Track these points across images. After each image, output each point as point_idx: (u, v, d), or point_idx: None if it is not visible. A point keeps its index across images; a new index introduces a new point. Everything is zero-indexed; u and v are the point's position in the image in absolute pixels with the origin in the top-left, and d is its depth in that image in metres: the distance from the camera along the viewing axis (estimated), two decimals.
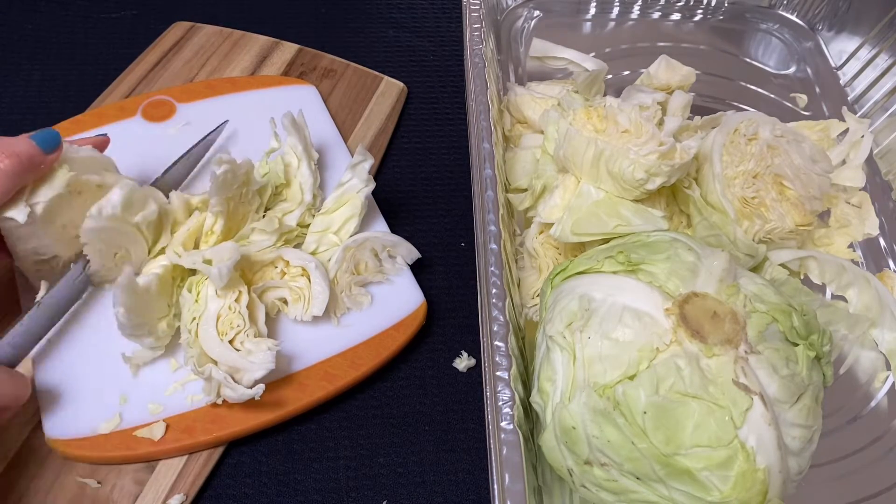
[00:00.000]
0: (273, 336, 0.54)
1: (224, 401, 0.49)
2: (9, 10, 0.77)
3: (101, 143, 0.54)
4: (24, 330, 0.48)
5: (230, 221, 0.55)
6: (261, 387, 0.48)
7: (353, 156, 0.65)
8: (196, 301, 0.51)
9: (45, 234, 0.48)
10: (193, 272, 0.53)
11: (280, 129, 0.61)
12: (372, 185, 0.59)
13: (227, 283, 0.50)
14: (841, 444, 0.52)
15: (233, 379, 0.48)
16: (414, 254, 0.58)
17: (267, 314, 0.54)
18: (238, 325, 0.50)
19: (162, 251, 0.54)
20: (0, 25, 0.75)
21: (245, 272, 0.54)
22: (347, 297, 0.56)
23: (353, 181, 0.59)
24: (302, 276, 0.55)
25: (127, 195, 0.50)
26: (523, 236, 0.59)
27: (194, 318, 0.50)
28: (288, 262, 0.55)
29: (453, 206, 0.67)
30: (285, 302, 0.55)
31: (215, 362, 0.49)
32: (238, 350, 0.49)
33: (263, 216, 0.58)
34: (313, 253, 0.57)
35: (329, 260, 0.57)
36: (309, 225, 0.59)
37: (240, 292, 0.52)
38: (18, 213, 0.45)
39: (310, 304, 0.54)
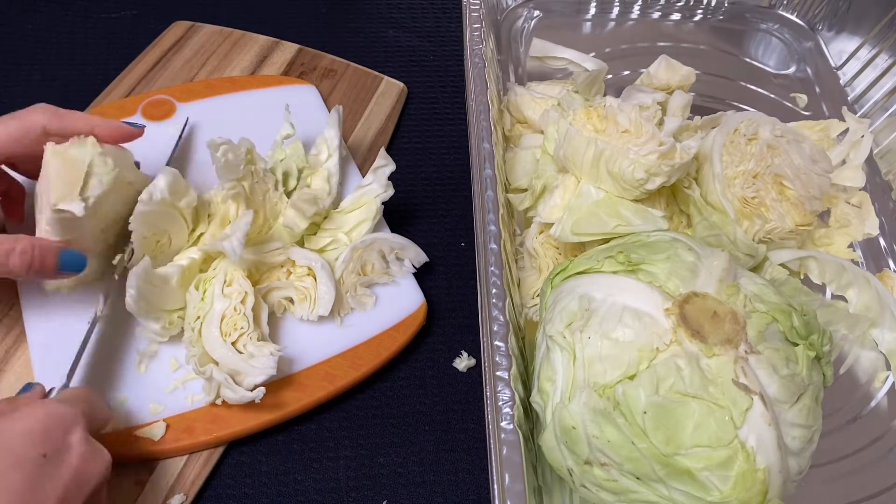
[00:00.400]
0: (275, 336, 0.54)
1: (224, 401, 0.49)
2: (9, 10, 0.77)
3: (136, 134, 0.54)
4: (80, 346, 0.49)
5: (253, 205, 0.55)
6: (261, 390, 0.48)
7: (353, 156, 0.66)
8: (202, 299, 0.51)
9: (88, 226, 0.50)
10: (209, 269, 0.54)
11: (294, 116, 0.62)
12: (390, 192, 0.59)
13: (239, 269, 0.51)
14: (841, 444, 0.52)
15: (233, 381, 0.48)
16: (421, 257, 0.58)
17: (272, 313, 0.54)
18: (242, 328, 0.50)
19: (198, 239, 0.55)
20: (0, 25, 0.75)
21: (252, 273, 0.54)
22: (352, 298, 0.56)
23: (372, 185, 0.59)
24: (308, 275, 0.55)
25: (171, 181, 0.52)
26: (523, 236, 0.59)
27: (199, 317, 0.50)
28: (294, 261, 0.55)
29: (453, 206, 0.67)
30: (291, 301, 0.55)
31: (217, 363, 0.49)
32: (241, 353, 0.49)
33: (289, 194, 0.58)
34: (321, 250, 0.57)
35: (336, 259, 0.57)
36: (327, 217, 0.59)
37: (246, 293, 0.52)
38: (76, 207, 0.47)
39: (316, 304, 0.54)
